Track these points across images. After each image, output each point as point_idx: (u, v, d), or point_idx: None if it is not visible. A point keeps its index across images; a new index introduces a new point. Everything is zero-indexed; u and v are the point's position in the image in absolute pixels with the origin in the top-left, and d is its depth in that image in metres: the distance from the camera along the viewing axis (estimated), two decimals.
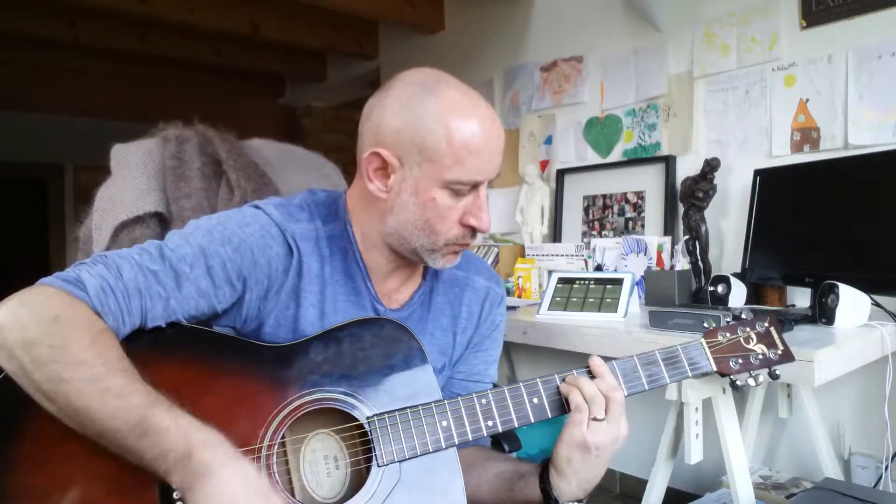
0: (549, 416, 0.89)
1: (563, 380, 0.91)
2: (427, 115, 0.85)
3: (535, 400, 0.90)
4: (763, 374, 0.98)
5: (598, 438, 0.86)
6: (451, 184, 0.86)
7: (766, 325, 1.00)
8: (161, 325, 0.83)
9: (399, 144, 0.86)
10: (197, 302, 0.85)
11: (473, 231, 0.90)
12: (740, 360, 0.96)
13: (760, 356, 0.97)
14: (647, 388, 0.92)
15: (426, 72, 0.91)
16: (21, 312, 0.73)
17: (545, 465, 0.92)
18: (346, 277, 0.94)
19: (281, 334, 0.91)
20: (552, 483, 0.89)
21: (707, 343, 0.97)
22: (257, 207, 0.93)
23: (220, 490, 0.70)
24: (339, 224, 0.95)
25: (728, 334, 0.98)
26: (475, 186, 0.88)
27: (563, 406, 0.90)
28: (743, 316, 1.01)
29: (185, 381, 0.81)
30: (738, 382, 0.97)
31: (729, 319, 1.05)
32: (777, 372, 0.98)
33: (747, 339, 0.98)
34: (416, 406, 0.87)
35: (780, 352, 0.99)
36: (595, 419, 0.86)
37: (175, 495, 0.74)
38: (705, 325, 1.00)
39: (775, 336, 1.00)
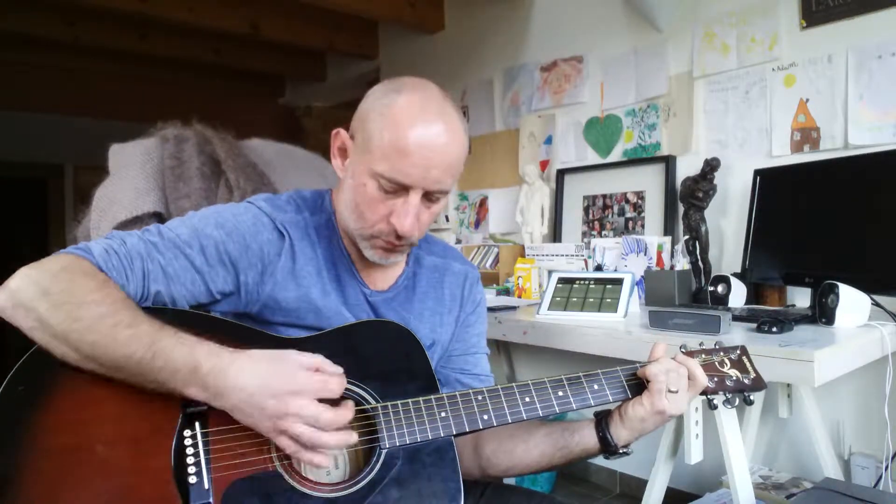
0: (541, 414, 0.95)
1: (568, 381, 0.97)
2: (381, 108, 0.91)
3: (527, 399, 0.95)
4: (738, 400, 1.03)
5: (672, 407, 0.95)
6: (377, 175, 0.90)
7: (739, 353, 1.06)
8: (163, 293, 0.88)
9: (356, 129, 0.95)
10: (193, 277, 0.90)
11: (398, 233, 0.93)
12: (716, 379, 1.01)
13: (734, 379, 1.02)
14: (629, 395, 0.98)
15: (417, 79, 0.96)
16: (31, 273, 0.81)
17: (599, 419, 1.01)
18: (333, 263, 1.01)
19: (283, 317, 0.96)
20: (612, 432, 0.98)
21: None
22: (249, 202, 1.00)
23: (234, 387, 0.78)
24: (324, 216, 1.02)
25: (703, 356, 1.04)
26: (405, 189, 0.91)
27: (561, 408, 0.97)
28: (715, 345, 1.07)
29: None
30: (714, 402, 1.02)
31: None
32: (751, 398, 1.03)
33: (721, 363, 1.03)
34: (418, 398, 0.92)
35: (752, 377, 1.03)
36: (671, 391, 0.95)
37: (189, 459, 0.80)
38: (681, 349, 1.04)
39: (747, 363, 1.05)
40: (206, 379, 0.78)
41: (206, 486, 0.79)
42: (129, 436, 0.80)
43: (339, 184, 1.01)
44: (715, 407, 1.02)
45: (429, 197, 0.93)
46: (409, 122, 0.89)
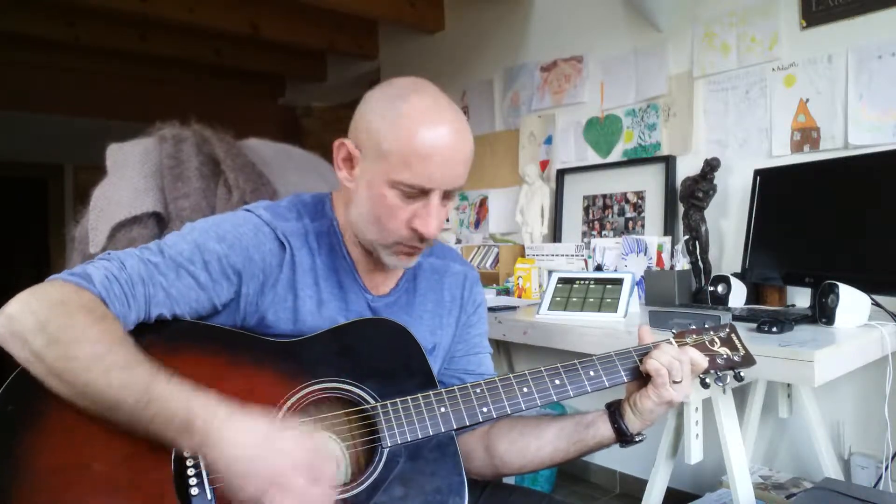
0: (539, 404, 0.96)
1: (564, 369, 0.99)
2: (390, 116, 0.90)
3: (525, 390, 0.96)
4: (729, 377, 1.04)
5: (678, 395, 0.97)
6: (397, 184, 0.90)
7: (728, 331, 1.08)
8: (165, 314, 0.87)
9: (364, 139, 0.93)
10: (197, 294, 0.89)
11: (422, 237, 0.93)
12: (707, 358, 1.02)
13: (724, 357, 1.04)
14: (625, 380, 1.00)
15: (413, 79, 0.96)
16: (31, 302, 0.79)
17: (612, 411, 1.02)
18: (335, 269, 1.00)
19: (282, 326, 0.95)
20: (626, 422, 1.00)
21: (676, 343, 1.04)
22: (248, 211, 0.99)
23: (227, 447, 0.75)
24: (326, 221, 1.02)
25: (694, 336, 1.05)
26: (425, 192, 0.91)
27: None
28: (704, 325, 1.09)
29: (198, 371, 0.85)
30: (706, 380, 1.03)
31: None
32: (741, 374, 1.04)
33: (711, 342, 1.05)
34: (417, 395, 0.92)
35: (742, 354, 1.05)
36: (675, 381, 0.97)
37: (189, 471, 0.79)
38: (672, 329, 1.06)
39: (736, 341, 1.07)
40: (194, 436, 0.75)
41: (209, 497, 0.79)
42: (127, 451, 0.78)
43: (346, 192, 0.98)
44: (707, 385, 1.03)
45: (446, 195, 0.94)
46: (424, 127, 0.88)
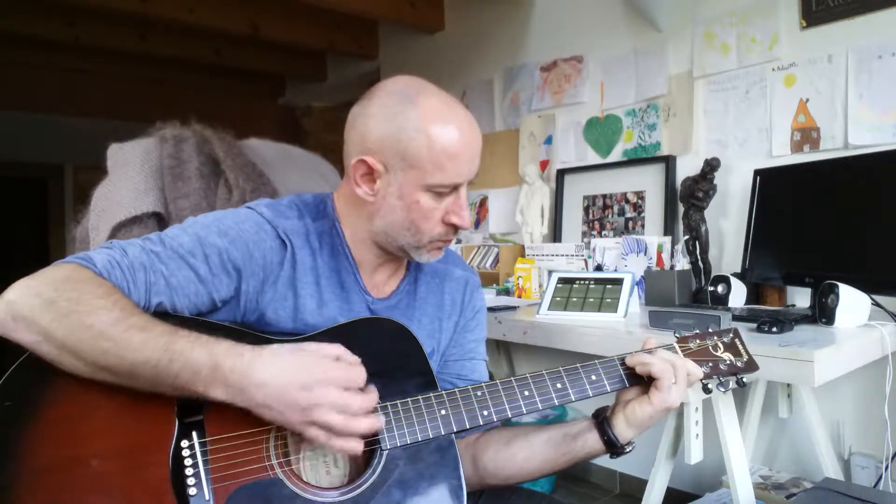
0: (540, 408, 0.95)
1: (566, 373, 0.98)
2: (408, 123, 0.91)
3: (527, 393, 0.95)
4: (732, 382, 1.04)
5: (675, 399, 0.96)
6: (433, 187, 0.93)
7: (732, 335, 1.07)
8: (165, 304, 0.87)
9: (383, 152, 0.93)
10: (196, 287, 0.89)
11: (455, 228, 0.98)
12: (710, 364, 1.02)
13: (727, 363, 1.03)
14: (627, 384, 0.99)
15: (405, 80, 0.97)
16: (31, 284, 0.79)
17: (599, 421, 1.00)
18: (336, 270, 1.01)
19: (282, 325, 0.95)
20: (617, 433, 0.98)
21: (679, 347, 1.04)
22: (250, 208, 0.99)
23: (263, 382, 0.77)
24: (328, 221, 1.02)
25: (698, 341, 1.05)
26: (455, 188, 0.95)
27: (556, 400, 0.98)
28: (708, 329, 1.08)
29: None
30: (709, 386, 1.03)
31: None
32: (744, 380, 1.04)
33: (715, 347, 1.05)
34: (417, 397, 0.92)
35: (745, 360, 1.05)
36: (673, 384, 0.96)
37: (188, 471, 0.79)
38: (676, 333, 1.05)
39: (740, 346, 1.06)
40: (228, 377, 0.76)
41: (207, 497, 0.79)
42: (125, 449, 0.78)
43: (362, 206, 0.98)
44: (709, 391, 1.03)
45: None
46: (445, 128, 0.91)
